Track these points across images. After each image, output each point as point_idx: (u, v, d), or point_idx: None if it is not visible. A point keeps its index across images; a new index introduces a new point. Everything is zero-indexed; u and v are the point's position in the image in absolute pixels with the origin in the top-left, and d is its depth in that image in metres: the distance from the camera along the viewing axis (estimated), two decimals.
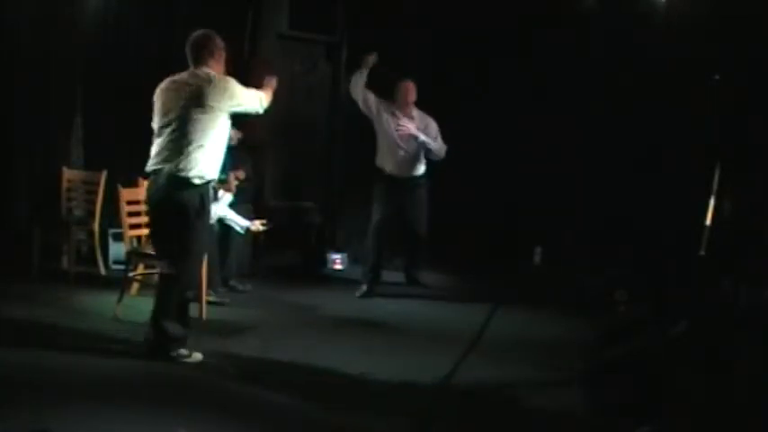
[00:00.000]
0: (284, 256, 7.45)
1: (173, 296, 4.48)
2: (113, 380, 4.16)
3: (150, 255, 5.10)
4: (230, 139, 5.85)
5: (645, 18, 7.05)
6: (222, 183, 5.93)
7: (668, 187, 6.56)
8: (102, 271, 6.51)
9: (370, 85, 6.46)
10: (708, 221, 5.51)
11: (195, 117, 4.39)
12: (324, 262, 7.63)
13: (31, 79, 6.65)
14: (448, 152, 6.52)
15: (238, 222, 6.09)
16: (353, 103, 6.57)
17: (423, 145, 6.42)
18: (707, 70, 5.91)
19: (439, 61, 7.46)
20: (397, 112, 6.43)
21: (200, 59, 4.50)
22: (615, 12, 7.16)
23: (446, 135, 6.56)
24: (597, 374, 4.46)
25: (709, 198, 5.54)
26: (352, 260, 7.51)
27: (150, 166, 4.48)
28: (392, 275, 7.00)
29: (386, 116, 6.43)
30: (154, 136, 4.52)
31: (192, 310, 4.96)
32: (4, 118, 6.61)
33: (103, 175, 6.40)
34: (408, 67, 6.69)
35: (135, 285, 5.67)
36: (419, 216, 6.61)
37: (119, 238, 6.43)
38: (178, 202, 4.41)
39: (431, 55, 7.48)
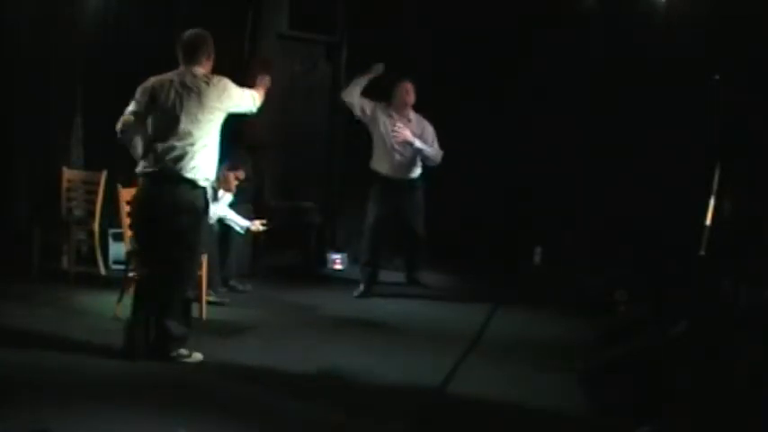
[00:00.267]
0: (284, 256, 7.45)
1: (176, 296, 4.48)
2: (113, 380, 4.16)
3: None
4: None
5: (645, 18, 7.06)
6: (218, 181, 5.95)
7: (668, 187, 6.56)
8: (102, 271, 6.51)
9: (370, 85, 6.45)
10: (708, 221, 5.51)
11: (199, 118, 4.38)
12: (324, 262, 7.64)
13: (31, 79, 6.65)
14: (448, 152, 6.51)
15: (238, 222, 6.09)
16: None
17: (418, 151, 6.41)
18: (707, 70, 5.91)
19: (439, 61, 7.45)
20: (395, 114, 6.41)
21: (194, 59, 4.47)
22: (615, 12, 7.16)
23: (446, 135, 6.56)
24: (597, 374, 4.47)
25: (709, 198, 5.54)
26: (352, 260, 7.51)
27: (149, 167, 4.41)
28: (392, 275, 7.01)
29: (383, 119, 6.39)
30: (144, 136, 4.45)
31: (192, 310, 4.96)
32: (4, 118, 6.61)
33: (103, 175, 6.40)
34: (408, 68, 6.69)
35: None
36: (416, 217, 6.60)
37: (119, 238, 6.43)
38: (187, 203, 4.40)
39: (431, 55, 7.47)
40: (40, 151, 6.83)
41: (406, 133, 6.33)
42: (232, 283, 6.29)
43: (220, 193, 6.03)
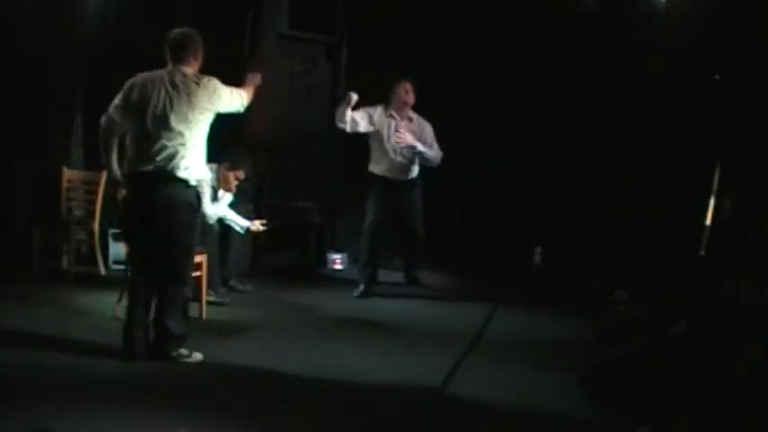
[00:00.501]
0: (284, 256, 7.45)
1: (175, 295, 4.48)
2: (113, 380, 4.16)
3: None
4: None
5: (645, 18, 7.06)
6: (218, 181, 5.95)
7: (668, 187, 6.56)
8: (102, 271, 6.50)
9: (371, 85, 6.44)
10: (708, 221, 5.52)
11: (190, 118, 4.36)
12: (324, 262, 7.64)
13: (31, 79, 6.65)
14: (448, 152, 6.51)
15: (238, 222, 6.09)
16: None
17: (420, 154, 6.40)
18: (707, 70, 5.91)
19: (439, 61, 7.46)
20: (395, 114, 6.41)
21: (181, 59, 4.44)
22: (615, 12, 7.16)
23: (446, 135, 6.56)
24: (597, 374, 4.47)
25: (710, 198, 5.54)
26: (352, 260, 7.51)
27: (140, 167, 4.37)
28: (391, 275, 7.01)
29: (383, 121, 6.37)
30: (131, 135, 4.43)
31: (192, 310, 4.97)
32: (4, 118, 6.61)
33: (103, 175, 6.39)
34: (408, 68, 6.69)
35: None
36: (415, 216, 6.60)
37: (119, 238, 6.42)
38: (182, 202, 4.39)
39: (431, 55, 7.48)
40: (40, 151, 6.83)
41: (408, 138, 6.33)
42: (232, 283, 6.29)
43: (220, 193, 6.04)
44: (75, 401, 3.82)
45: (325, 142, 7.95)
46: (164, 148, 4.33)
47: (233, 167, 6.02)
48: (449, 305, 6.46)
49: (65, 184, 6.60)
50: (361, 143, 6.65)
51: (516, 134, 7.39)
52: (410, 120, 6.45)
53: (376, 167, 6.51)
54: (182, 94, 4.37)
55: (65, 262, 6.61)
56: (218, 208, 5.96)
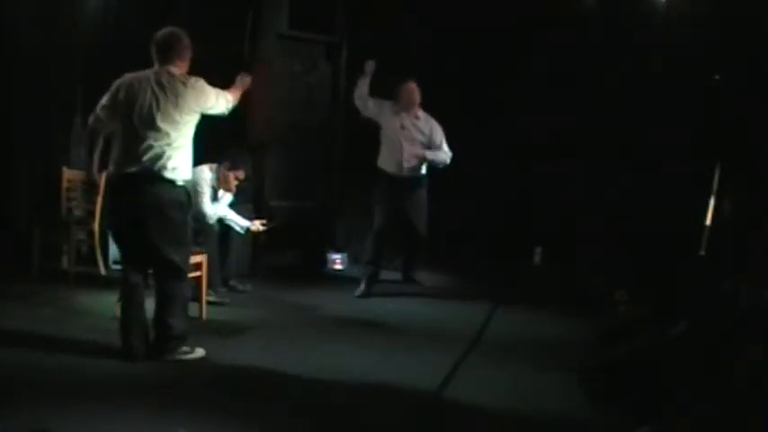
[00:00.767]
0: (284, 256, 7.45)
1: (177, 294, 4.48)
2: (113, 380, 4.16)
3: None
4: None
5: (645, 18, 7.05)
6: (218, 181, 5.95)
7: (668, 187, 6.56)
8: (102, 271, 6.50)
9: (373, 87, 6.46)
10: (708, 221, 5.52)
11: (176, 119, 4.36)
12: (324, 262, 7.63)
13: (31, 79, 6.65)
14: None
15: (238, 222, 6.09)
16: (353, 103, 6.57)
17: (431, 160, 6.44)
18: (707, 70, 5.90)
19: (439, 61, 7.46)
20: (403, 114, 6.44)
21: (168, 59, 4.44)
22: (615, 12, 7.16)
23: (446, 135, 6.57)
24: (597, 374, 4.47)
25: (710, 198, 5.54)
26: (352, 260, 7.51)
27: (126, 167, 4.35)
28: (390, 274, 7.01)
29: (391, 119, 6.44)
30: (118, 135, 4.41)
31: (192, 310, 4.97)
32: (4, 118, 6.61)
33: (103, 175, 6.38)
34: (408, 68, 6.69)
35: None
36: (419, 215, 6.61)
37: None
38: (171, 201, 4.38)
39: (431, 55, 7.48)
40: (40, 151, 6.83)
41: (418, 151, 6.39)
42: (232, 283, 6.29)
43: (220, 193, 6.04)
44: (75, 401, 3.82)
45: (326, 142, 7.96)
46: (150, 148, 4.32)
47: (233, 167, 6.02)
48: (449, 305, 6.47)
49: (65, 184, 6.60)
50: (361, 143, 6.65)
51: (516, 134, 7.39)
52: (417, 118, 6.47)
53: (384, 164, 6.53)
54: (168, 94, 4.36)
55: (65, 262, 6.61)
56: (218, 208, 5.97)
